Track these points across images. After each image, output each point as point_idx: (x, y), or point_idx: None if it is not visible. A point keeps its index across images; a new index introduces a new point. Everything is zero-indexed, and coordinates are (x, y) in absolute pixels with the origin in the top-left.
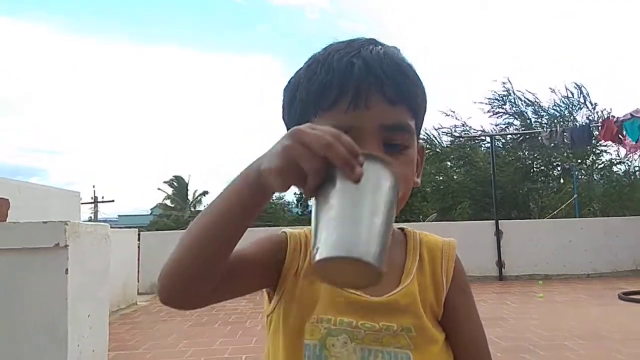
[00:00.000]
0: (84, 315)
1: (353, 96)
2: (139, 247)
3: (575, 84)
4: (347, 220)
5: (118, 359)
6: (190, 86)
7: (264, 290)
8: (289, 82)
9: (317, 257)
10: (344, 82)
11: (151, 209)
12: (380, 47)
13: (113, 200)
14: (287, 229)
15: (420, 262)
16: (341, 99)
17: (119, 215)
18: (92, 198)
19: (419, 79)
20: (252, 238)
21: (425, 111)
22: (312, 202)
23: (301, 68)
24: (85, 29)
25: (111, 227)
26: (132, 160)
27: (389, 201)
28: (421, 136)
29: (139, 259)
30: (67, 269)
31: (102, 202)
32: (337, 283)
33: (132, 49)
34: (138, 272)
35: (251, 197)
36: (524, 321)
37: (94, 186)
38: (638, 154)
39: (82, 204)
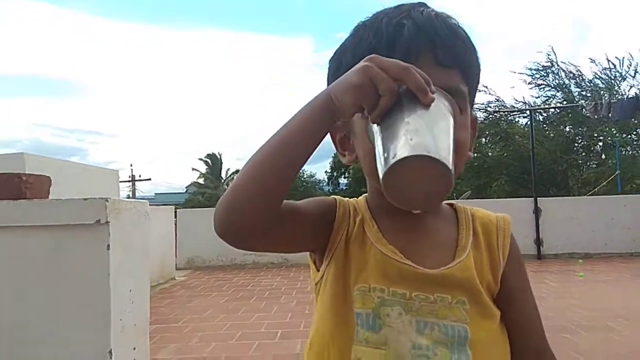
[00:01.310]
0: (125, 290)
1: (403, 58)
2: (175, 224)
3: (627, 54)
4: (425, 132)
5: (158, 332)
6: (226, 64)
7: (310, 259)
8: (335, 52)
9: (397, 158)
10: (393, 43)
11: (186, 187)
12: (431, 9)
13: (150, 179)
14: (335, 196)
15: (474, 237)
16: None
17: (155, 194)
18: (129, 177)
19: (472, 43)
20: None
21: (479, 79)
22: (375, 128)
23: (347, 37)
24: (123, 13)
25: (151, 206)
26: (169, 139)
27: (453, 131)
28: None
29: (176, 236)
30: (108, 245)
31: (140, 180)
32: (404, 198)
33: (167, 30)
34: (175, 248)
35: (317, 120)
36: (564, 300)
37: (131, 165)
38: None
39: (120, 182)
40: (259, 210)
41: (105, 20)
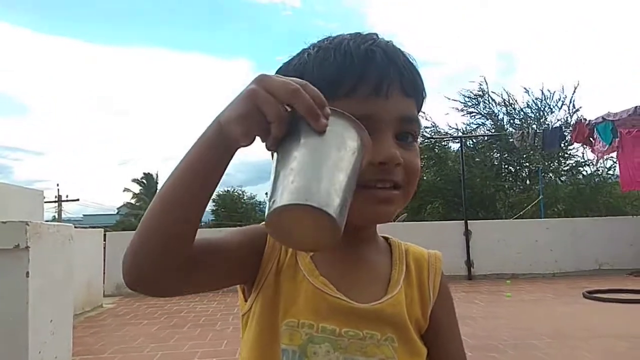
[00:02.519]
0: (45, 320)
1: (376, 84)
2: (104, 247)
3: (562, 87)
4: (308, 171)
5: None
6: (161, 84)
7: (239, 288)
8: (283, 71)
9: (273, 207)
10: (365, 68)
11: (118, 208)
12: (393, 43)
13: (78, 199)
14: None
15: (407, 273)
16: (361, 85)
17: (83, 215)
18: (56, 197)
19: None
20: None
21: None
22: (274, 157)
23: (295, 57)
24: (55, 27)
25: (75, 227)
26: (100, 158)
27: (354, 161)
28: None
29: (104, 260)
30: (27, 272)
31: (66, 201)
32: (292, 241)
33: (101, 47)
34: (104, 273)
35: (212, 152)
36: (493, 320)
37: (58, 185)
38: (605, 157)
39: (45, 202)
40: (161, 263)
41: (33, 33)
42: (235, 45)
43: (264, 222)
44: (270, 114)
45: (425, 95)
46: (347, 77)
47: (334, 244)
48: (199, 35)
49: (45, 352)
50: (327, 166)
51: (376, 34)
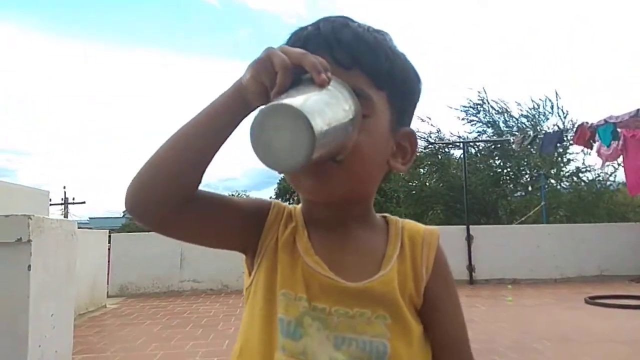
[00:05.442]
0: (46, 314)
1: None
2: (109, 249)
3: (547, 96)
4: (301, 95)
5: None
6: (167, 88)
7: (244, 263)
8: None
9: (263, 106)
10: (293, 46)
11: (123, 211)
12: (347, 21)
13: (84, 202)
14: (275, 200)
15: (401, 250)
16: None
17: (90, 218)
18: (62, 199)
19: (392, 50)
20: None
21: (409, 92)
22: None
23: None
24: (61, 30)
25: (81, 229)
26: (106, 161)
27: (344, 117)
28: None
29: (109, 261)
30: (29, 266)
31: (73, 203)
32: (268, 154)
33: (107, 51)
34: (108, 274)
35: (228, 102)
36: (494, 324)
37: (64, 187)
38: (609, 163)
39: (51, 205)
40: (166, 188)
41: (42, 35)
42: (241, 51)
43: (250, 125)
44: (277, 62)
45: (393, 69)
46: None
47: (305, 163)
48: (205, 42)
49: (45, 345)
50: (320, 102)
51: (344, 17)
